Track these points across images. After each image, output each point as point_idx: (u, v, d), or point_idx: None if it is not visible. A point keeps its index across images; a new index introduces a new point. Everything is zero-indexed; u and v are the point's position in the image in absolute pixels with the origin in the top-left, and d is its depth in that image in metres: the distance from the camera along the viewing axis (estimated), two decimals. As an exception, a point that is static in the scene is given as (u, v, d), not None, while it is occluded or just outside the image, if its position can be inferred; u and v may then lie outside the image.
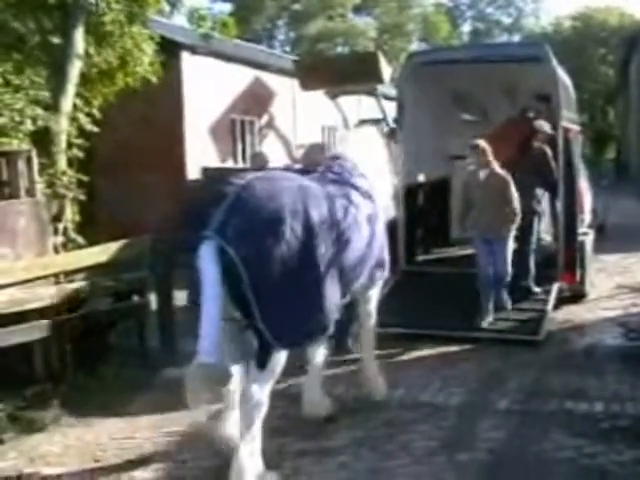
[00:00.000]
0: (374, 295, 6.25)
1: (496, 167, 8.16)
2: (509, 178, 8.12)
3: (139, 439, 5.83)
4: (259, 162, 9.99)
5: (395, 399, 6.51)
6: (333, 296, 4.92)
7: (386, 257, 6.02)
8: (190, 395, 4.47)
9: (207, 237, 4.48)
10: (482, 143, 8.26)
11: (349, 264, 5.17)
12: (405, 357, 7.72)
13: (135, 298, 7.64)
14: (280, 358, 4.77)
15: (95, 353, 7.16)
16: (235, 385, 4.97)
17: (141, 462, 5.40)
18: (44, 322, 6.62)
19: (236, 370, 4.85)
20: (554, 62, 9.47)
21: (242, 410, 4.74)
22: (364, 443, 5.55)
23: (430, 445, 5.48)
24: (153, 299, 7.87)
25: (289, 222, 4.62)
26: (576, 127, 10.68)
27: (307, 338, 5.09)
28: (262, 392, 4.70)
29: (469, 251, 10.76)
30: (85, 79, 9.08)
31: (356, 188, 5.54)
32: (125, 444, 5.73)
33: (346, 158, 5.87)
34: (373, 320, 6.29)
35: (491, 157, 8.15)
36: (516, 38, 55.27)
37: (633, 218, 19.11)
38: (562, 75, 9.94)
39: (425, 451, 5.38)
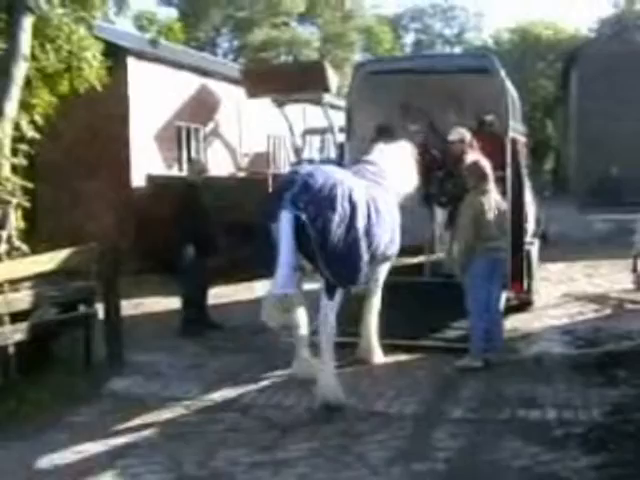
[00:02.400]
0: (384, 269, 7.73)
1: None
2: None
3: (87, 452, 5.65)
4: (198, 168, 9.93)
5: (349, 409, 6.45)
6: (365, 257, 6.58)
7: (397, 238, 7.45)
8: (267, 316, 6.06)
9: (284, 207, 6.15)
10: (479, 160, 7.92)
11: (373, 236, 6.76)
12: (357, 366, 7.66)
13: (82, 307, 7.44)
14: (340, 293, 6.61)
15: (41, 365, 6.94)
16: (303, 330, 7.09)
17: (91, 476, 5.22)
18: (-13, 333, 6.41)
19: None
20: (502, 74, 9.56)
21: (323, 332, 6.57)
22: (320, 454, 5.48)
23: (386, 455, 5.43)
24: (100, 308, 7.69)
25: (340, 200, 6.34)
26: (523, 138, 10.82)
27: (352, 283, 6.82)
28: (333, 315, 6.54)
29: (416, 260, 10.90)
30: (28, 83, 8.83)
31: (379, 184, 7.39)
32: (73, 457, 5.55)
33: (375, 163, 7.77)
34: (379, 291, 7.62)
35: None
36: (458, 50, 56.18)
37: (573, 228, 19.53)
38: (509, 87, 10.05)
39: (382, 461, 5.33)
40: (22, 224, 7.49)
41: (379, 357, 7.81)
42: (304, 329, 7.19)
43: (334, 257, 6.30)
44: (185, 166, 15.81)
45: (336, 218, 6.27)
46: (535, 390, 6.73)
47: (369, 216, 6.70)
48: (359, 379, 7.27)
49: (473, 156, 8.85)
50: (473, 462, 5.32)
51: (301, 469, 5.24)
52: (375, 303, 7.76)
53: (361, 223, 6.52)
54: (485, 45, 55.35)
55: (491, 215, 7.55)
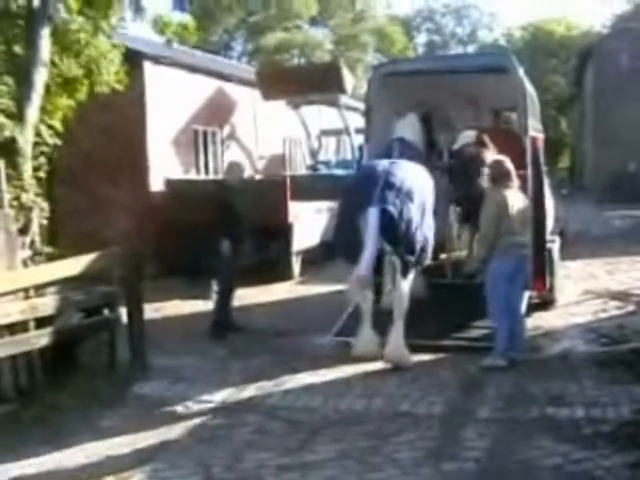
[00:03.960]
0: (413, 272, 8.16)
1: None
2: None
3: (116, 456, 5.65)
4: (236, 171, 9.98)
5: (375, 410, 6.44)
6: (431, 241, 7.90)
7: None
8: (349, 293, 7.60)
9: (373, 203, 7.34)
10: (503, 158, 7.92)
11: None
12: (381, 367, 7.64)
13: (105, 312, 7.45)
14: (412, 273, 7.80)
15: (65, 369, 6.96)
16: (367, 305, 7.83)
17: (120, 480, 5.23)
18: (13, 338, 6.42)
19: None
20: (521, 72, 9.52)
21: (397, 301, 7.61)
22: (348, 456, 5.45)
23: (415, 456, 5.41)
24: (123, 312, 7.70)
25: (417, 193, 7.62)
26: (541, 136, 10.76)
27: (422, 263, 8.01)
28: (406, 288, 7.61)
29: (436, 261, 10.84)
30: (48, 89, 8.88)
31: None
32: (101, 463, 5.55)
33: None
34: (407, 296, 7.77)
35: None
36: (471, 49, 56.03)
37: (591, 225, 19.43)
38: (528, 85, 10.00)
39: (411, 462, 5.30)
40: (45, 229, 7.51)
41: (408, 361, 7.66)
42: (369, 306, 7.84)
43: (413, 243, 7.55)
44: (202, 169, 15.87)
45: (415, 210, 7.52)
46: (562, 388, 6.68)
47: (425, 209, 7.82)
48: (384, 380, 7.24)
49: (492, 154, 8.85)
50: (504, 462, 5.28)
51: (329, 471, 5.21)
52: (403, 307, 7.70)
53: (425, 214, 7.76)
54: (497, 43, 55.20)
55: (514, 211, 7.52)
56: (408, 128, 9.23)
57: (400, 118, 9.53)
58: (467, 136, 9.21)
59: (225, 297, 9.38)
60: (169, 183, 13.74)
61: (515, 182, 7.75)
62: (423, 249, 7.78)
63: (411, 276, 7.77)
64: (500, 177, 7.68)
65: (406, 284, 7.67)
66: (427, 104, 9.92)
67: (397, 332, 7.58)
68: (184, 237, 12.62)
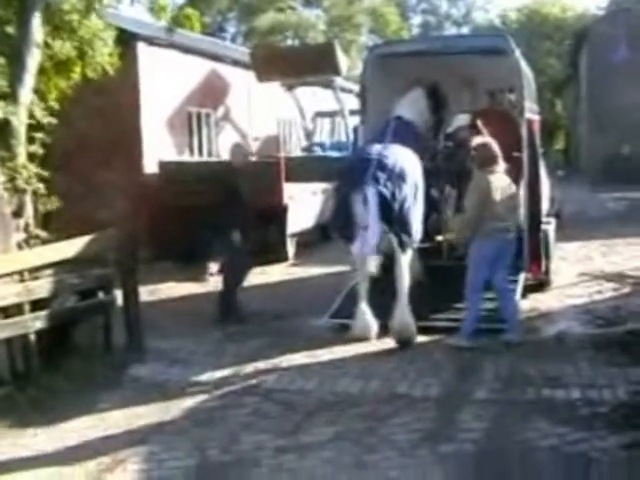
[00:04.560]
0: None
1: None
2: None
3: (112, 439, 5.64)
4: (242, 152, 9.89)
5: (371, 392, 6.44)
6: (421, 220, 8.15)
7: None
8: (360, 271, 7.79)
9: (368, 184, 7.56)
10: (489, 142, 7.90)
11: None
12: (377, 348, 7.64)
13: (101, 294, 7.42)
14: (411, 249, 8.07)
15: (61, 352, 6.94)
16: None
17: (116, 462, 5.22)
18: (8, 321, 6.40)
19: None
20: (517, 54, 9.47)
21: (398, 274, 7.80)
22: (345, 437, 5.45)
23: (412, 438, 5.40)
24: (118, 295, 7.68)
25: (410, 175, 7.86)
26: (538, 118, 10.72)
27: (416, 240, 8.20)
28: (405, 263, 7.87)
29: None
30: (41, 71, 8.79)
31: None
32: (98, 445, 5.54)
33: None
34: (407, 273, 7.96)
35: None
36: (465, 31, 55.78)
37: (587, 207, 19.46)
38: (525, 66, 9.96)
39: (408, 444, 5.29)
40: (39, 212, 7.46)
41: (413, 334, 7.79)
42: (366, 287, 7.89)
43: (407, 221, 7.81)
44: (196, 151, 15.80)
45: (408, 191, 7.76)
46: (559, 370, 6.69)
47: (417, 190, 8.05)
48: (380, 362, 7.24)
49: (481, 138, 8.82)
50: (501, 443, 5.29)
51: (327, 453, 5.21)
52: (405, 283, 7.86)
53: (418, 196, 8.00)
54: (492, 25, 54.95)
55: (498, 196, 7.51)
56: (409, 106, 9.21)
57: (403, 95, 9.45)
58: (461, 119, 9.15)
59: (233, 284, 9.23)
60: (162, 165, 13.67)
61: (501, 166, 7.72)
62: (418, 227, 8.05)
63: (409, 252, 8.00)
64: (485, 161, 7.66)
65: (405, 260, 7.90)
66: (423, 83, 9.86)
67: (401, 307, 7.75)
68: (178, 219, 12.59)
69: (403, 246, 7.91)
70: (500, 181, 7.61)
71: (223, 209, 8.97)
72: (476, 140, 8.75)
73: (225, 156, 16.25)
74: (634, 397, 5.98)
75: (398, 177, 7.76)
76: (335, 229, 8.49)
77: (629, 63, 24.01)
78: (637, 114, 24.66)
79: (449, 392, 6.36)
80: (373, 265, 7.61)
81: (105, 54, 9.20)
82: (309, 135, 19.04)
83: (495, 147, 7.78)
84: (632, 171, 23.74)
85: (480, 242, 7.54)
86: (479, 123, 9.12)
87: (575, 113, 34.23)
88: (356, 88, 19.75)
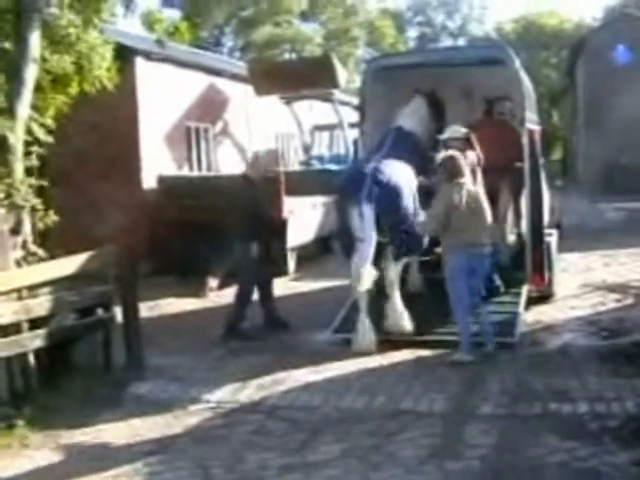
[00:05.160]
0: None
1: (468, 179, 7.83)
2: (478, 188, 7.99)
3: (112, 460, 5.54)
4: (259, 165, 9.75)
5: (376, 407, 6.35)
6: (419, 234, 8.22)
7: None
8: (355, 283, 7.75)
9: (364, 201, 7.75)
10: (456, 155, 7.86)
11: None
12: (381, 363, 7.55)
13: (100, 311, 7.33)
14: (402, 260, 8.37)
15: (60, 370, 6.84)
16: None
17: (118, 484, 5.13)
18: (6, 340, 6.30)
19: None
20: (517, 64, 9.44)
21: (388, 283, 8.18)
22: (351, 455, 5.36)
23: (419, 454, 5.31)
24: (118, 312, 7.58)
25: (404, 191, 7.97)
26: (538, 128, 10.67)
27: (413, 253, 8.63)
28: (396, 274, 8.25)
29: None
30: (38, 86, 8.73)
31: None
32: (99, 466, 5.43)
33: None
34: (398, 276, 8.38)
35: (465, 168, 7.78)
36: (461, 42, 55.89)
37: (586, 218, 19.37)
38: (524, 77, 9.92)
39: (414, 461, 5.21)
40: (37, 228, 7.38)
41: (407, 328, 8.15)
42: (366, 300, 7.95)
43: (402, 235, 7.99)
44: (195, 165, 15.72)
45: (403, 206, 7.92)
46: (565, 383, 6.60)
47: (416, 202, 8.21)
48: (384, 377, 7.15)
49: (475, 155, 8.79)
50: (509, 459, 5.19)
51: (332, 471, 5.12)
52: (396, 284, 8.27)
53: (413, 210, 8.09)
54: (488, 37, 55.10)
55: (463, 208, 7.43)
56: (410, 115, 9.33)
57: (403, 105, 9.47)
58: (455, 130, 9.06)
59: (246, 299, 9.11)
60: (161, 180, 13.61)
61: (468, 178, 7.70)
62: (415, 239, 8.26)
63: (400, 262, 8.32)
64: (452, 174, 7.60)
65: (395, 268, 8.25)
66: (423, 91, 9.81)
67: (392, 305, 8.18)
68: (178, 234, 12.52)
69: (396, 257, 8.17)
70: (467, 194, 7.53)
71: (241, 222, 8.90)
72: (470, 156, 8.74)
73: (224, 170, 16.29)
74: (643, 410, 5.89)
75: (392, 192, 7.90)
76: (339, 245, 8.73)
77: (631, 65, 24.01)
78: (635, 124, 24.64)
79: (455, 407, 6.26)
80: (368, 279, 7.65)
81: (103, 68, 9.14)
82: (307, 149, 18.99)
83: (462, 161, 7.75)
84: (630, 181, 23.69)
85: (452, 256, 7.53)
86: (473, 137, 9.03)
87: (572, 123, 34.22)
88: (354, 101, 19.77)
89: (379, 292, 8.14)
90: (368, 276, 7.66)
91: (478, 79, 10.31)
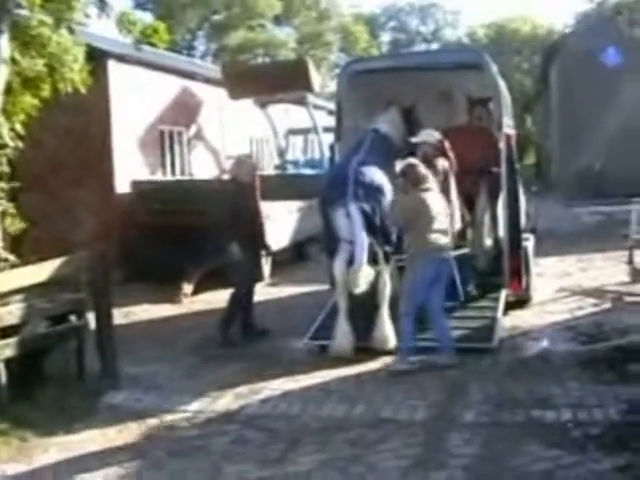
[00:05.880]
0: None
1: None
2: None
3: (87, 474, 5.36)
4: (247, 167, 9.60)
5: (356, 416, 6.24)
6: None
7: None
8: (352, 285, 7.64)
9: (349, 201, 7.80)
10: (416, 162, 7.79)
11: None
12: (359, 370, 7.44)
13: (73, 319, 7.15)
14: (392, 262, 8.33)
15: (32, 380, 6.65)
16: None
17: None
18: (-25, 349, 6.12)
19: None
20: (494, 69, 9.41)
21: (380, 287, 7.98)
22: (332, 466, 5.24)
23: (401, 465, 5.21)
24: (91, 319, 7.40)
25: (385, 190, 8.04)
26: (514, 133, 10.65)
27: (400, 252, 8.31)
28: (387, 276, 8.06)
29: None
30: (8, 89, 8.54)
31: None
32: (72, 478, 5.27)
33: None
34: (388, 284, 8.15)
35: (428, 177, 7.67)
36: (435, 47, 56.05)
37: (560, 222, 19.40)
38: (501, 82, 9.89)
39: (397, 471, 5.10)
40: (16, 228, 7.16)
41: (391, 343, 7.91)
42: (346, 303, 7.91)
43: (388, 234, 8.08)
44: (169, 170, 15.54)
45: (383, 205, 7.91)
46: (547, 390, 6.53)
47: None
48: (363, 384, 7.05)
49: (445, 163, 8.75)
50: (492, 468, 5.10)
51: (313, 483, 5.00)
52: (386, 295, 8.06)
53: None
54: (461, 42, 55.39)
55: (427, 216, 7.36)
56: (386, 121, 9.32)
57: (379, 112, 9.47)
58: (428, 134, 9.00)
59: (239, 301, 9.00)
60: (135, 185, 13.41)
61: (432, 184, 7.60)
62: (399, 238, 8.26)
63: (391, 264, 8.29)
64: (414, 181, 7.51)
65: (387, 271, 8.13)
66: (397, 102, 9.76)
67: (381, 317, 7.96)
68: (152, 240, 12.33)
69: (387, 259, 8.13)
70: (432, 200, 7.46)
71: (230, 226, 8.77)
72: (439, 163, 8.69)
73: (198, 174, 16.12)
74: (626, 417, 5.84)
75: (376, 192, 7.98)
76: (323, 245, 8.84)
77: (599, 77, 24.15)
78: (608, 129, 24.79)
79: (436, 415, 6.17)
80: (365, 279, 7.62)
81: (75, 70, 8.94)
82: (282, 153, 18.88)
83: (422, 167, 7.65)
84: (604, 185, 23.81)
85: (416, 263, 7.42)
86: (446, 143, 8.97)
87: (545, 128, 34.40)
88: (328, 105, 19.71)
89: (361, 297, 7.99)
90: (365, 276, 7.63)
91: (455, 83, 10.27)
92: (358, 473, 5.11)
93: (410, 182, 7.54)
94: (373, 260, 7.91)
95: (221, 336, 8.78)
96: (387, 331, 7.94)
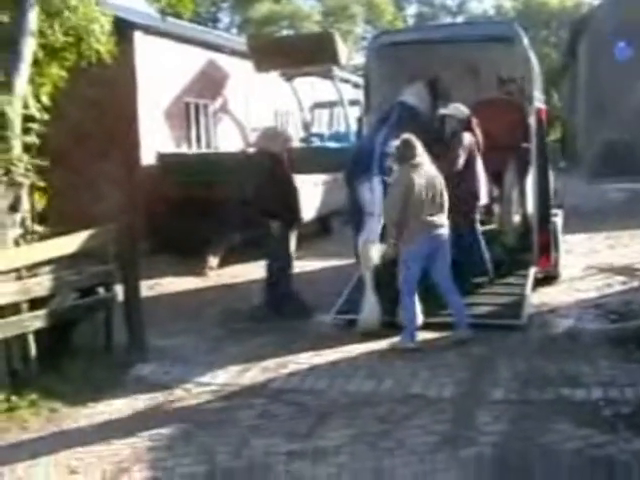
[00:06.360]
0: None
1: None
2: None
3: (116, 444, 5.40)
4: (282, 138, 9.55)
5: (384, 391, 6.21)
6: None
7: None
8: (363, 258, 7.85)
9: (373, 173, 7.88)
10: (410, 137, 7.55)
11: None
12: (385, 345, 7.40)
13: (101, 291, 7.17)
14: None
15: (61, 352, 6.69)
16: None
17: (121, 470, 4.98)
18: (5, 321, 6.14)
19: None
20: (526, 42, 9.24)
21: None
22: (360, 441, 5.22)
23: (430, 441, 5.18)
24: (119, 291, 7.42)
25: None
26: (544, 107, 10.49)
27: None
28: None
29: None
30: (35, 61, 8.50)
31: None
32: (102, 451, 5.30)
33: None
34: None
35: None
36: (460, 20, 55.35)
37: (586, 199, 19.17)
38: (532, 55, 9.72)
39: (426, 447, 5.07)
40: (40, 205, 7.18)
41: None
42: (372, 277, 7.84)
43: None
44: (194, 142, 15.50)
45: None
46: (576, 368, 6.45)
47: None
48: (391, 360, 7.00)
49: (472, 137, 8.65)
50: (522, 446, 5.05)
51: (342, 458, 4.98)
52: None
53: None
54: (487, 14, 54.61)
55: (422, 192, 7.23)
56: (413, 93, 9.30)
57: (405, 85, 9.39)
58: (456, 108, 8.87)
59: (284, 275, 8.92)
60: (161, 157, 13.40)
61: (424, 159, 7.43)
62: None
63: None
64: (405, 157, 7.40)
65: None
66: (425, 75, 9.63)
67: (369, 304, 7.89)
68: (177, 212, 12.33)
69: None
70: (423, 176, 7.31)
71: (264, 197, 8.72)
72: (466, 137, 8.59)
73: (223, 148, 16.07)
74: (657, 396, 5.76)
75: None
76: (350, 219, 8.78)
77: (631, 59, 23.75)
78: (636, 105, 24.40)
79: (464, 392, 6.12)
80: (376, 254, 7.69)
81: (102, 40, 8.90)
82: (307, 126, 18.76)
83: (414, 141, 7.44)
84: (632, 161, 23.49)
85: (410, 241, 7.28)
86: (473, 120, 8.86)
87: (572, 103, 33.92)
88: (353, 78, 19.53)
89: (388, 271, 7.93)
90: (376, 251, 7.69)
91: (486, 57, 10.10)
92: (388, 448, 5.08)
93: (398, 158, 7.51)
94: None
95: (265, 308, 8.75)
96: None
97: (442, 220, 7.43)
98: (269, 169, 8.91)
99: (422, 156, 7.42)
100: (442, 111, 9.03)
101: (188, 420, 5.79)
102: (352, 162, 8.37)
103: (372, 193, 7.87)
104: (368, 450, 5.07)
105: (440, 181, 7.49)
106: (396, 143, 7.63)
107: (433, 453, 4.99)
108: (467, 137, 8.66)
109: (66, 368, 6.57)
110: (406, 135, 7.54)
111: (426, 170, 7.39)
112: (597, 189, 21.60)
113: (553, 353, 6.97)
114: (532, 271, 8.90)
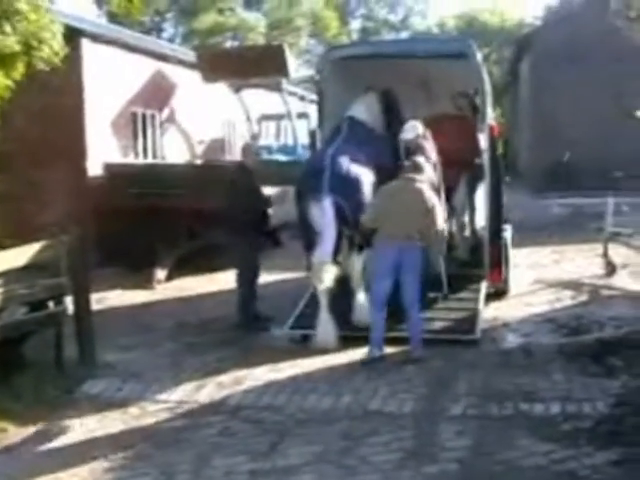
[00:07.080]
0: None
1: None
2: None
3: (69, 465, 5.20)
4: (252, 151, 9.68)
5: (343, 408, 6.15)
6: None
7: None
8: (316, 279, 7.67)
9: (324, 193, 7.74)
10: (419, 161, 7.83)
11: None
12: (343, 361, 7.35)
13: (51, 305, 6.95)
14: (365, 251, 8.07)
15: (9, 369, 6.45)
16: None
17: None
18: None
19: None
20: (479, 58, 9.34)
21: (354, 275, 8.18)
22: (323, 459, 5.15)
23: (393, 458, 5.14)
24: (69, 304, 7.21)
25: (364, 180, 8.02)
26: (495, 123, 10.61)
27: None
28: (360, 265, 8.12)
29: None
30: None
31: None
32: (48, 474, 5.08)
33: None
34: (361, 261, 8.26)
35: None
36: (404, 36, 55.89)
37: (531, 213, 19.47)
38: (485, 72, 9.84)
39: (390, 465, 5.03)
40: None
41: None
42: (327, 293, 7.77)
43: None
44: (141, 153, 15.25)
45: (362, 197, 7.88)
46: (533, 382, 6.50)
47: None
48: (349, 375, 6.96)
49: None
50: (486, 462, 5.04)
51: (307, 477, 4.90)
52: (358, 280, 8.22)
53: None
54: (430, 31, 55.27)
55: (393, 202, 7.35)
56: (362, 107, 9.18)
57: (357, 98, 9.32)
58: (413, 127, 8.88)
59: (249, 289, 8.85)
60: (107, 167, 13.12)
61: (412, 175, 7.53)
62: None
63: (363, 254, 8.12)
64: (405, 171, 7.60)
65: (359, 261, 8.17)
66: (377, 89, 9.64)
67: (358, 299, 8.16)
68: (124, 224, 12.07)
69: (359, 248, 8.08)
70: (395, 188, 7.50)
71: (234, 210, 8.69)
72: (428, 147, 8.63)
73: (170, 159, 15.85)
74: (614, 410, 5.83)
75: (353, 181, 7.94)
76: (302, 238, 8.41)
77: (570, 69, 24.25)
78: (578, 122, 24.94)
79: (425, 408, 6.10)
80: (329, 277, 7.52)
81: (55, 48, 8.66)
82: (255, 138, 18.65)
83: (417, 160, 7.77)
84: (573, 177, 23.99)
85: (378, 251, 7.43)
86: (428, 134, 8.91)
87: (514, 120, 34.55)
88: (300, 91, 19.51)
89: (341, 286, 7.91)
90: (329, 273, 7.54)
91: (439, 72, 10.18)
92: (351, 466, 5.02)
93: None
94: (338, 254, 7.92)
95: (243, 319, 8.69)
96: (364, 316, 7.86)
97: (405, 234, 7.28)
98: (247, 181, 8.98)
99: (409, 172, 7.57)
100: (403, 137, 8.93)
101: (145, 439, 5.63)
102: (301, 180, 8.34)
103: (322, 214, 7.74)
104: (332, 468, 5.00)
105: (416, 197, 7.39)
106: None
107: (397, 470, 4.95)
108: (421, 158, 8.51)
109: (16, 384, 6.35)
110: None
111: (400, 183, 7.52)
112: (541, 204, 21.98)
113: (509, 368, 7.01)
114: (484, 286, 8.96)
